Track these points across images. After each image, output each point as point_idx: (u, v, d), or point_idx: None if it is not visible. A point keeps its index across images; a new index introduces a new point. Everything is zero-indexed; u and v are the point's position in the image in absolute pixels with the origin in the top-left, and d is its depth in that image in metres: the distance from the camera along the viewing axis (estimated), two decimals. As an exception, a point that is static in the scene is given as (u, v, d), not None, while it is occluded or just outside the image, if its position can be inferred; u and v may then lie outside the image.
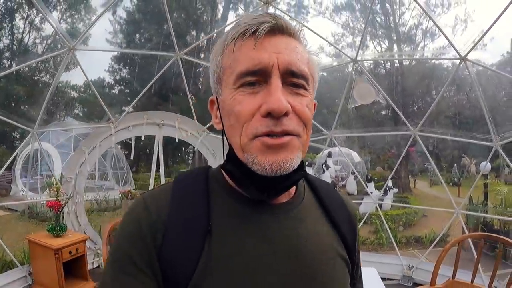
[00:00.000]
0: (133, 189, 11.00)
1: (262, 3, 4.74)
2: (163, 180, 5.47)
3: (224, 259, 0.65)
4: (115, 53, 19.06)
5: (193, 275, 0.63)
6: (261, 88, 0.64)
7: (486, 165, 6.14)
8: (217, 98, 0.73)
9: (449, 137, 7.01)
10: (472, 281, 2.38)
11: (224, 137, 0.73)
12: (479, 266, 2.50)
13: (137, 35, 18.05)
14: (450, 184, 15.64)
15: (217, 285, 0.63)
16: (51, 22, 4.53)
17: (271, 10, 4.92)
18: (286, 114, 0.62)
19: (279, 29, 0.66)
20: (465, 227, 4.84)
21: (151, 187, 5.31)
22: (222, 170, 0.75)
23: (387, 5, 20.64)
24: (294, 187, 0.78)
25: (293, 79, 0.65)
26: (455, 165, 19.13)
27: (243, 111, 0.63)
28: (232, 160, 0.70)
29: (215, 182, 0.74)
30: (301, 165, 0.70)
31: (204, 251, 0.64)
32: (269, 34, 0.65)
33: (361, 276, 0.93)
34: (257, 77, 0.64)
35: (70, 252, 3.91)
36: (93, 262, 4.94)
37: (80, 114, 19.62)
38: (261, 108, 0.62)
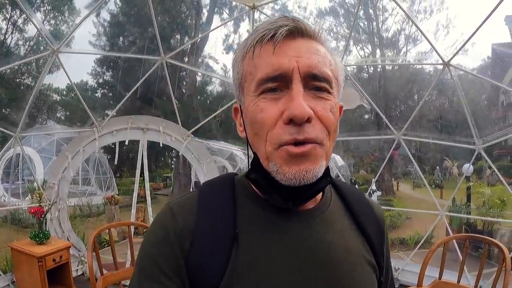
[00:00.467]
0: (117, 195, 10.84)
1: (248, 8, 4.73)
2: (147, 185, 5.39)
3: (251, 265, 0.64)
4: (98, 56, 18.81)
5: (221, 282, 0.63)
6: (282, 94, 0.62)
7: (469, 168, 6.27)
8: (240, 106, 0.72)
9: (433, 140, 7.13)
10: (458, 281, 2.42)
11: (249, 146, 0.72)
12: (464, 266, 2.53)
13: (121, 38, 17.84)
14: (433, 186, 15.89)
15: None
16: (35, 23, 4.46)
17: (256, 15, 4.93)
18: (308, 120, 0.60)
19: (298, 32, 0.64)
20: (449, 228, 4.91)
21: (135, 192, 5.23)
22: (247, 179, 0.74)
23: (371, 10, 20.98)
24: (321, 193, 0.76)
25: (315, 82, 0.63)
26: (438, 167, 19.50)
27: (266, 119, 0.62)
28: (256, 169, 0.69)
29: (241, 189, 0.74)
30: (327, 172, 0.68)
31: (231, 258, 0.64)
32: (288, 38, 0.63)
33: (393, 281, 0.91)
34: (278, 83, 0.62)
35: (54, 260, 3.82)
36: (77, 269, 4.84)
37: (62, 117, 19.31)
38: (283, 114, 0.60)
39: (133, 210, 5.13)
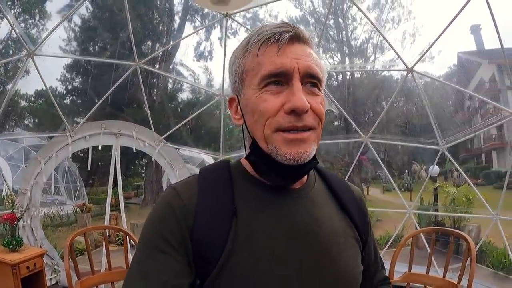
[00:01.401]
0: (88, 203, 10.59)
1: (221, 16, 4.76)
2: (120, 190, 5.30)
3: (249, 237, 0.73)
4: (68, 62, 18.24)
5: (222, 253, 0.71)
6: (283, 89, 0.73)
7: (434, 168, 6.51)
8: (237, 97, 0.82)
9: (399, 142, 7.38)
10: (427, 273, 2.54)
11: (246, 131, 0.82)
12: (434, 261, 2.66)
13: (92, 43, 17.45)
14: (402, 189, 16.28)
15: (244, 261, 0.71)
16: (12, 23, 4.35)
17: (228, 22, 4.98)
18: (306, 111, 0.72)
19: (297, 37, 0.76)
20: (418, 226, 5.10)
21: (108, 198, 5.14)
22: (246, 160, 0.84)
23: (340, 20, 21.53)
24: (306, 175, 0.87)
25: (310, 80, 0.75)
26: (406, 171, 19.99)
27: (269, 108, 0.73)
28: (255, 151, 0.79)
29: (236, 172, 0.84)
30: (314, 156, 0.79)
31: (231, 231, 0.73)
32: (289, 42, 0.74)
33: (381, 260, 1.04)
34: (280, 79, 0.73)
35: (27, 268, 3.70)
36: (50, 278, 4.68)
37: (31, 125, 18.57)
38: (285, 106, 0.72)
39: (107, 217, 5.04)
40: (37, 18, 15.92)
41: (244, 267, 0.71)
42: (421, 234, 4.16)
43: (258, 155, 0.78)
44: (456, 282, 2.30)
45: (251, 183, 0.81)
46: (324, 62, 0.83)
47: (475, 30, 20.95)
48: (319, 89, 0.78)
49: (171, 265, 0.70)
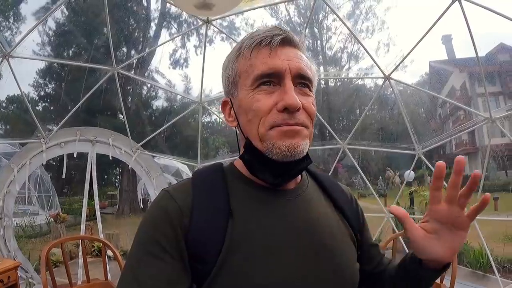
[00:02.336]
0: (61, 213, 10.26)
1: (200, 22, 4.72)
2: (96, 199, 5.16)
3: (246, 237, 0.73)
4: (41, 67, 17.74)
5: (219, 255, 0.70)
6: (275, 89, 0.75)
7: (409, 173, 6.66)
8: (230, 99, 0.84)
9: (375, 148, 7.51)
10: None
11: (239, 133, 0.84)
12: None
13: (66, 48, 17.05)
14: (377, 195, 16.54)
15: (243, 260, 0.70)
16: None
17: (203, 29, 4.95)
18: (298, 109, 0.74)
19: (288, 41, 0.79)
20: (396, 230, 5.17)
21: (84, 208, 5.01)
22: (239, 163, 0.85)
23: (316, 29, 21.95)
24: (299, 176, 0.88)
25: (301, 81, 0.78)
26: (380, 177, 20.38)
27: (262, 107, 0.75)
28: (249, 151, 0.80)
29: (230, 173, 0.84)
30: (307, 155, 0.80)
31: (228, 232, 0.72)
32: (280, 45, 0.77)
33: (379, 249, 1.02)
34: (272, 79, 0.75)
35: (1, 281, 3.51)
36: (24, 293, 4.49)
37: (1, 131, 17.94)
38: (278, 104, 0.74)
39: (83, 226, 4.90)
40: (11, 20, 15.43)
41: (241, 267, 0.70)
42: (400, 237, 4.24)
43: (253, 154, 0.79)
44: (439, 282, 2.33)
45: (245, 184, 0.81)
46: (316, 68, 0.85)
47: (447, 40, 21.76)
48: (310, 90, 0.80)
49: (166, 272, 0.69)
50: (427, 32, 3.91)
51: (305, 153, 0.77)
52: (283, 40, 0.77)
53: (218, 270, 0.69)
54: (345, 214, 0.89)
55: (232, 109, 0.84)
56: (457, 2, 3.34)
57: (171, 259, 0.69)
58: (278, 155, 0.74)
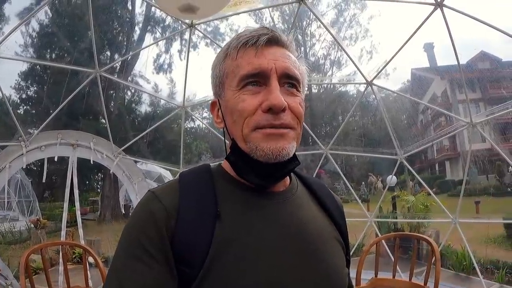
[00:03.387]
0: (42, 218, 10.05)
1: (185, 26, 4.71)
2: (77, 204, 5.07)
3: (234, 239, 0.71)
4: (23, 69, 17.31)
5: (207, 257, 0.68)
6: (261, 89, 0.74)
7: (392, 178, 6.74)
8: (218, 101, 0.83)
9: (358, 153, 7.62)
10: (393, 277, 2.60)
11: (226, 134, 0.82)
12: (398, 267, 2.72)
13: (49, 50, 16.72)
14: (360, 201, 16.71)
15: (229, 264, 0.68)
16: None
17: (187, 35, 4.94)
18: (283, 110, 0.72)
19: (275, 40, 0.78)
20: (379, 234, 5.23)
21: (64, 214, 4.91)
22: (227, 164, 0.83)
23: (299, 36, 22.21)
24: (289, 179, 0.87)
25: (288, 81, 0.76)
26: (363, 183, 20.62)
27: (246, 107, 0.73)
28: (235, 151, 0.79)
29: (217, 175, 0.82)
30: (295, 157, 0.79)
31: (215, 234, 0.70)
32: (267, 45, 0.76)
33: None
34: (258, 79, 0.74)
35: (-21, 288, 3.43)
36: (3, 300, 4.36)
37: (-21, 135, 17.44)
38: (263, 104, 0.72)
39: (63, 232, 4.79)
40: (-6, 21, 15.05)
41: (230, 270, 0.68)
42: (383, 241, 4.28)
43: (238, 155, 0.77)
44: (422, 284, 2.36)
45: (233, 185, 0.80)
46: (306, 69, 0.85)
47: (428, 47, 22.22)
48: (298, 90, 0.79)
49: (151, 277, 0.66)
50: (409, 38, 3.98)
51: (291, 155, 0.76)
52: (269, 39, 0.76)
53: (205, 273, 0.67)
54: (334, 219, 0.88)
55: (220, 110, 0.83)
56: (439, 9, 3.40)
57: (156, 264, 0.67)
58: (262, 157, 0.73)
